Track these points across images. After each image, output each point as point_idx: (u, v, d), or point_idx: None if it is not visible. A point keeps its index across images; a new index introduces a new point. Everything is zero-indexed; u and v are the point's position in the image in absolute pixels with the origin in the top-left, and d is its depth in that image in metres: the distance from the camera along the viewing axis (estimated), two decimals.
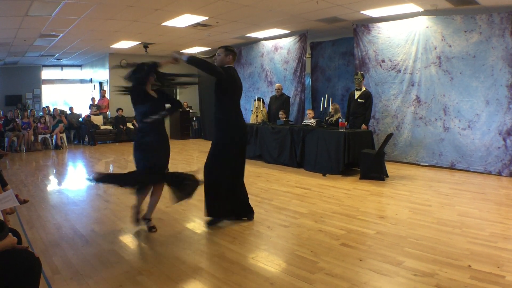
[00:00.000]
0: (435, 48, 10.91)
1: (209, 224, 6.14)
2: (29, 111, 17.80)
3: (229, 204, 6.25)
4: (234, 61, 6.32)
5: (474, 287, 4.02)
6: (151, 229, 5.87)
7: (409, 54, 11.52)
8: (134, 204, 5.96)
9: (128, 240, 5.57)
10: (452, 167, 10.75)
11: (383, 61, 12.13)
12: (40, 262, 3.05)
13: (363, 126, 10.83)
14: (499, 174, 9.85)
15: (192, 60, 5.86)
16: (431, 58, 11.02)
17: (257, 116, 13.43)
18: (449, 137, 10.77)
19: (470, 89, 10.29)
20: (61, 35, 14.11)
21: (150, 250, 5.18)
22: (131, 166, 11.71)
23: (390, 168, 10.22)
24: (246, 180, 9.10)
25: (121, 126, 18.61)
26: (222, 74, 5.91)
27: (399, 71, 11.77)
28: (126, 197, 7.86)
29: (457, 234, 5.65)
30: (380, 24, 12.16)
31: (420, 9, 10.99)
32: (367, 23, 12.43)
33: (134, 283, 4.16)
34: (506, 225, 6.12)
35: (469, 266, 4.52)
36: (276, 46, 15.47)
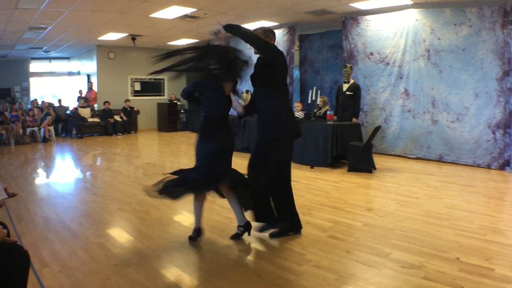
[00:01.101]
0: (424, 41, 10.88)
1: (261, 230, 5.38)
2: (17, 104, 17.63)
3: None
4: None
5: (462, 279, 3.98)
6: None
7: (397, 47, 11.49)
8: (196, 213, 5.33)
9: (116, 233, 5.53)
10: (440, 160, 10.74)
11: (371, 53, 12.10)
12: (29, 255, 2.99)
13: (354, 120, 10.78)
14: (488, 167, 9.85)
15: (232, 27, 4.98)
16: (420, 51, 11.00)
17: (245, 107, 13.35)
18: (437, 130, 10.75)
19: (459, 82, 10.28)
20: (50, 27, 13.99)
21: (138, 243, 5.12)
22: (118, 159, 11.68)
23: (378, 160, 10.20)
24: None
25: (109, 119, 18.49)
26: (271, 48, 5.02)
27: (388, 64, 11.74)
28: (112, 190, 7.82)
29: (445, 227, 5.63)
30: (369, 17, 12.12)
31: (410, 2, 10.95)
32: (356, 16, 12.39)
33: (122, 276, 4.13)
34: (495, 218, 6.11)
35: (458, 258, 4.49)
36: None
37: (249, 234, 5.18)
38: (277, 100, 5.02)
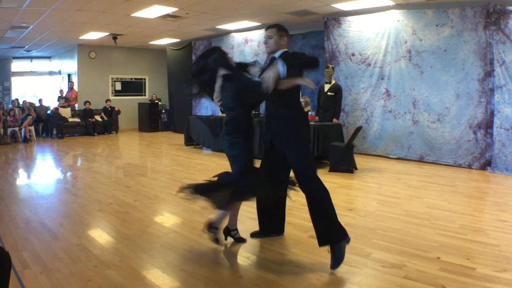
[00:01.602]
0: (406, 42, 10.93)
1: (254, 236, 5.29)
2: None
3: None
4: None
5: (443, 279, 3.99)
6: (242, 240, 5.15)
7: (379, 48, 11.53)
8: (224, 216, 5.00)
9: (96, 234, 5.46)
10: (421, 160, 10.80)
11: (353, 54, 12.13)
12: (10, 257, 2.95)
13: (334, 120, 10.79)
14: (469, 167, 9.92)
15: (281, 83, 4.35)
16: (401, 52, 11.05)
17: None
18: (418, 130, 10.81)
19: (440, 83, 10.33)
20: (32, 26, 13.90)
21: (118, 244, 5.07)
22: (99, 159, 11.59)
23: (359, 160, 10.23)
24: (215, 172, 9.03)
25: (90, 119, 18.35)
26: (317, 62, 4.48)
27: (369, 64, 11.78)
28: (93, 191, 7.77)
29: (426, 226, 5.64)
30: (350, 18, 12.15)
31: (392, 3, 10.99)
32: (338, 17, 12.41)
33: (102, 277, 4.09)
34: (476, 217, 6.14)
35: (438, 258, 4.50)
36: (247, 39, 15.40)
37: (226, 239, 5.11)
38: (293, 107, 4.72)
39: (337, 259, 4.25)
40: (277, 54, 4.65)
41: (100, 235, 5.43)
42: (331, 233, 4.36)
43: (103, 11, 12.18)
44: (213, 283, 3.97)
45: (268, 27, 4.75)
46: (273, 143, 4.75)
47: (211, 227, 4.79)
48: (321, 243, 4.37)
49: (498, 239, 5.13)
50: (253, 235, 5.28)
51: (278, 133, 4.66)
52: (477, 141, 9.80)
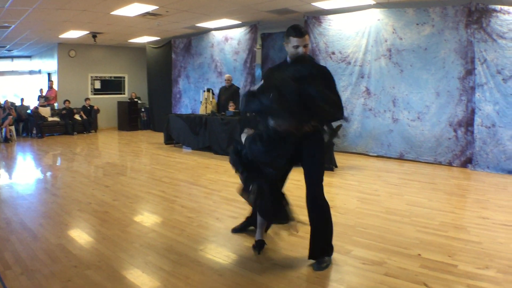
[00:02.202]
0: (386, 41, 10.95)
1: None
2: None
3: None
4: None
5: (424, 276, 3.99)
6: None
7: (359, 46, 11.54)
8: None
9: (75, 234, 5.41)
10: (401, 158, 10.84)
11: (333, 53, 12.12)
12: None
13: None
14: (450, 164, 9.97)
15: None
16: (382, 51, 11.07)
17: (206, 107, 13.30)
18: (398, 128, 10.84)
19: (420, 81, 10.37)
20: (13, 26, 13.77)
21: (98, 244, 5.02)
22: (78, 159, 11.48)
23: (339, 158, 10.22)
24: (195, 171, 9.03)
25: (69, 116, 18.17)
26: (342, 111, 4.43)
27: (349, 63, 11.79)
28: (72, 190, 7.69)
29: (406, 223, 5.65)
30: (331, 16, 12.13)
31: (372, 2, 11.00)
32: (318, 15, 12.40)
33: (82, 277, 4.06)
34: (456, 214, 6.17)
35: (419, 255, 4.51)
36: (227, 37, 15.33)
37: None
38: None
39: (322, 267, 4.27)
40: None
41: (80, 235, 5.38)
42: (329, 246, 4.42)
43: (83, 9, 12.07)
44: (193, 282, 3.94)
45: (300, 33, 4.23)
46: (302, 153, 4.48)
47: (260, 246, 4.74)
48: (317, 255, 4.35)
49: (480, 236, 5.15)
50: (235, 230, 5.30)
51: (312, 143, 4.44)
52: (458, 139, 9.85)
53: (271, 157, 4.25)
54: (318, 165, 4.52)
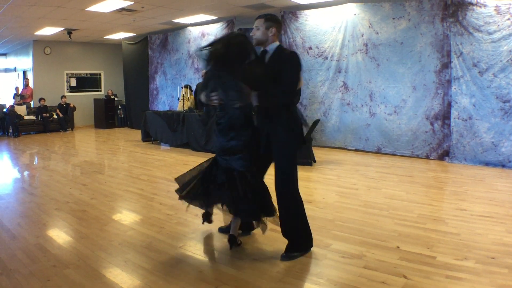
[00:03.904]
0: (362, 35, 10.99)
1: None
2: None
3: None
4: (279, 34, 4.57)
5: (403, 268, 4.02)
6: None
7: (336, 41, 11.57)
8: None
9: (54, 234, 5.36)
10: (378, 152, 10.90)
11: (310, 48, 12.14)
12: None
13: None
14: (427, 157, 10.05)
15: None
16: (358, 45, 11.11)
17: (184, 103, 13.26)
18: (375, 122, 10.91)
19: (397, 75, 10.43)
20: None
21: (76, 243, 4.97)
22: (55, 157, 11.35)
23: (318, 153, 10.26)
24: (173, 168, 8.99)
25: (44, 114, 17.99)
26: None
27: (326, 58, 11.82)
28: (49, 189, 7.62)
29: (385, 216, 5.69)
30: (307, 11, 12.15)
31: None
32: (294, 10, 12.41)
33: (61, 277, 4.02)
34: (434, 206, 6.21)
35: (398, 247, 4.53)
36: (203, 33, 15.28)
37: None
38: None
39: (289, 258, 4.33)
40: (270, 49, 4.40)
41: (58, 235, 5.33)
42: (299, 243, 4.46)
43: (57, 6, 11.95)
44: (173, 279, 3.92)
45: (256, 17, 4.45)
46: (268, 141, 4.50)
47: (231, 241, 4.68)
48: (286, 249, 4.43)
49: (458, 227, 5.20)
50: (221, 229, 5.25)
51: (273, 131, 4.42)
52: (435, 132, 9.92)
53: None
54: (281, 156, 4.46)
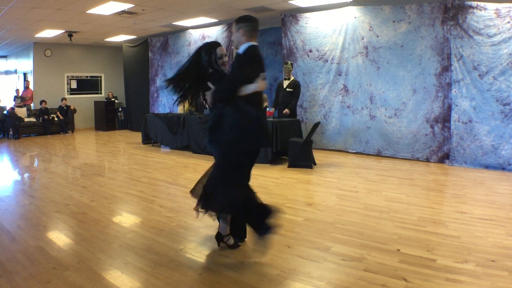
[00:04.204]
0: (363, 38, 11.00)
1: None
2: None
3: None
4: (254, 34, 4.44)
5: (404, 271, 4.01)
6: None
7: (336, 44, 11.58)
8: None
9: (54, 236, 5.34)
10: (379, 154, 10.91)
11: (310, 51, 12.15)
12: None
13: (285, 110, 10.83)
14: (427, 160, 10.06)
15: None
16: (358, 48, 11.12)
17: (184, 106, 13.26)
18: (375, 125, 10.91)
19: (397, 78, 10.43)
20: None
21: (76, 245, 4.96)
22: (55, 160, 11.37)
23: (318, 156, 10.27)
24: (173, 171, 8.98)
25: (46, 117, 17.99)
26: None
27: (326, 61, 11.83)
28: (50, 192, 7.61)
29: (385, 219, 5.68)
30: (308, 14, 12.16)
31: (349, 0, 11.04)
32: (295, 13, 12.43)
33: (61, 279, 4.01)
34: (434, 209, 6.21)
35: (398, 250, 4.53)
36: (204, 35, 15.29)
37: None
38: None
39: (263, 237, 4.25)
40: (240, 50, 4.39)
41: (58, 237, 5.31)
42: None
43: (58, 8, 11.97)
44: (173, 282, 3.92)
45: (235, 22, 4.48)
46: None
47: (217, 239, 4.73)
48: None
49: (458, 230, 5.20)
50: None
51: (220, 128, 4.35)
52: (435, 135, 9.92)
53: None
54: (221, 156, 4.41)
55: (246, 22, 4.37)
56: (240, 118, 4.28)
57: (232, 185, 4.31)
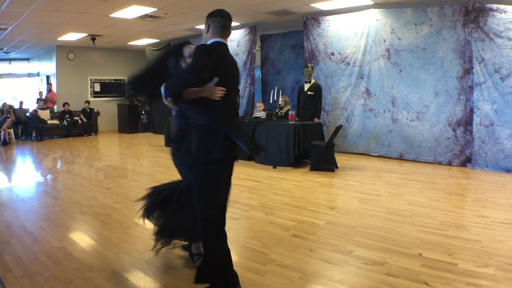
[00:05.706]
0: (384, 41, 10.98)
1: None
2: None
3: None
4: (221, 30, 3.81)
5: (425, 275, 4.02)
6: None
7: (358, 47, 11.58)
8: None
9: (77, 237, 5.40)
10: (401, 158, 10.88)
11: (332, 54, 12.15)
12: None
13: (316, 120, 10.82)
14: (449, 164, 10.01)
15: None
16: (380, 51, 11.11)
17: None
18: (397, 128, 10.88)
19: (419, 81, 10.40)
20: (10, 28, 13.74)
21: (100, 246, 5.02)
22: (79, 161, 11.49)
23: (340, 159, 10.27)
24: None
25: (68, 117, 18.17)
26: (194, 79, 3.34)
27: (348, 64, 11.82)
28: (73, 193, 7.70)
29: (407, 223, 5.67)
30: (329, 17, 12.17)
31: (371, 2, 11.04)
32: (317, 16, 12.43)
33: (84, 280, 4.05)
34: (456, 213, 6.19)
35: (420, 254, 4.53)
36: None
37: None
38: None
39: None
40: None
41: (81, 238, 5.38)
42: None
43: (81, 11, 12.06)
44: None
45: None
46: None
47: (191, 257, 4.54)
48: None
49: (479, 234, 5.19)
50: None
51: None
52: (457, 138, 9.89)
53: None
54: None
55: (211, 17, 3.79)
56: (183, 124, 4.22)
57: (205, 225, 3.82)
